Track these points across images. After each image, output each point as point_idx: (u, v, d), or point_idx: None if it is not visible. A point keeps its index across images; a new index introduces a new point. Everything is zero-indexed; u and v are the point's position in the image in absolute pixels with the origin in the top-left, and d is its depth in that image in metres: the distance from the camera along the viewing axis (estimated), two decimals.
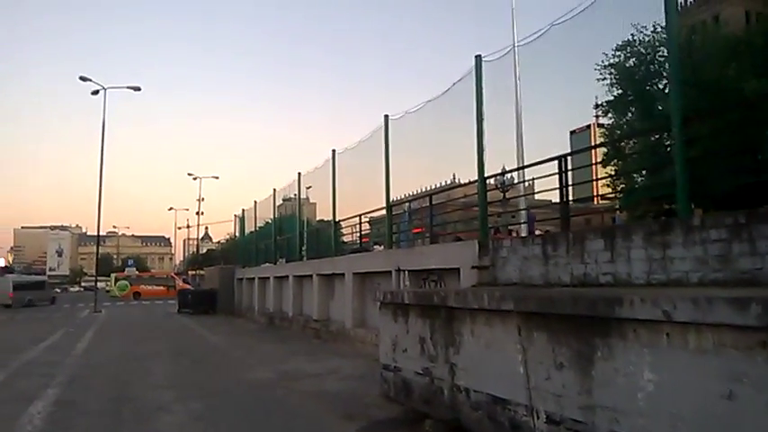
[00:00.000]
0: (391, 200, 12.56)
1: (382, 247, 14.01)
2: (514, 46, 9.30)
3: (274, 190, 21.94)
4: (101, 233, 38.15)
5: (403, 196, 13.56)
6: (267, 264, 22.27)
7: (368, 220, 15.39)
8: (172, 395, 8.18)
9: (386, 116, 12.70)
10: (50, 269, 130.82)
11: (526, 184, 9.55)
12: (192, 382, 9.28)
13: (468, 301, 5.87)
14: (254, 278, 23.46)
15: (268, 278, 21.16)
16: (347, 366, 10.30)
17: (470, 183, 9.44)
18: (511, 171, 9.02)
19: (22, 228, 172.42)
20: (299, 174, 18.99)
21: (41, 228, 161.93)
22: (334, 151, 15.89)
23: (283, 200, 21.86)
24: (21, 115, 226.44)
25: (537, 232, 10.49)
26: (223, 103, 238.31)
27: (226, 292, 27.13)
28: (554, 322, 4.80)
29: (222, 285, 27.56)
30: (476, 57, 9.38)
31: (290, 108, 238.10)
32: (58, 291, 52.63)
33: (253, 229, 26.19)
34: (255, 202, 25.00)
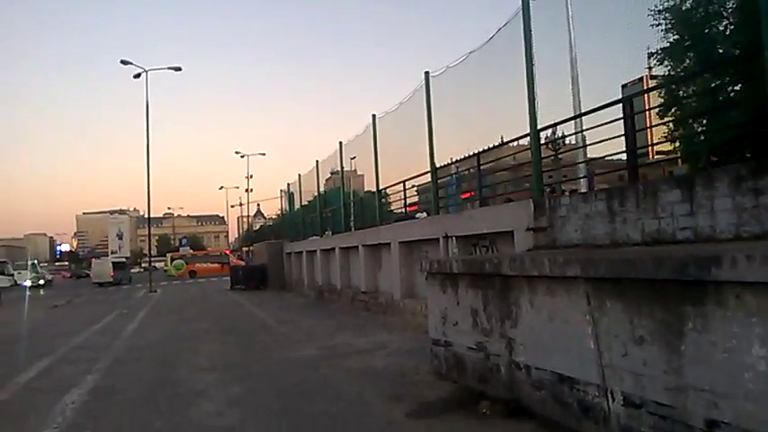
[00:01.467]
0: (437, 164, 11.79)
1: (425, 214, 13.29)
2: None
3: (317, 162, 21.40)
4: (157, 215, 39.02)
5: (450, 161, 12.75)
6: (314, 237, 21.89)
7: (416, 188, 14.62)
8: (213, 378, 7.78)
9: (426, 73, 11.85)
10: (112, 252, 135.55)
11: (583, 135, 8.61)
12: (236, 363, 8.89)
13: (526, 268, 5.13)
14: (301, 252, 23.16)
15: (315, 251, 20.78)
16: (396, 340, 9.73)
17: (523, 136, 8.58)
18: (567, 120, 8.07)
19: (84, 214, 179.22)
20: (340, 143, 18.35)
21: (102, 213, 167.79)
22: (374, 116, 15.15)
23: (331, 173, 21.30)
24: (75, 103, 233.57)
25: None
26: (265, 78, 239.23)
27: (275, 267, 27.01)
28: (631, 289, 4.02)
29: (271, 260, 27.45)
30: None
31: (332, 78, 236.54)
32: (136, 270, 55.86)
33: (299, 204, 25.84)
34: (300, 175, 24.57)
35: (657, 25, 24.31)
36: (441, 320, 6.87)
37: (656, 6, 23.05)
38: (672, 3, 22.48)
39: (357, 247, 15.63)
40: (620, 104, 7.03)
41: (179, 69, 35.74)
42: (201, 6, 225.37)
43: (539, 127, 8.36)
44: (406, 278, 12.50)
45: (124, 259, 61.25)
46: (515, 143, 9.66)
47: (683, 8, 22.65)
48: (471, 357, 6.20)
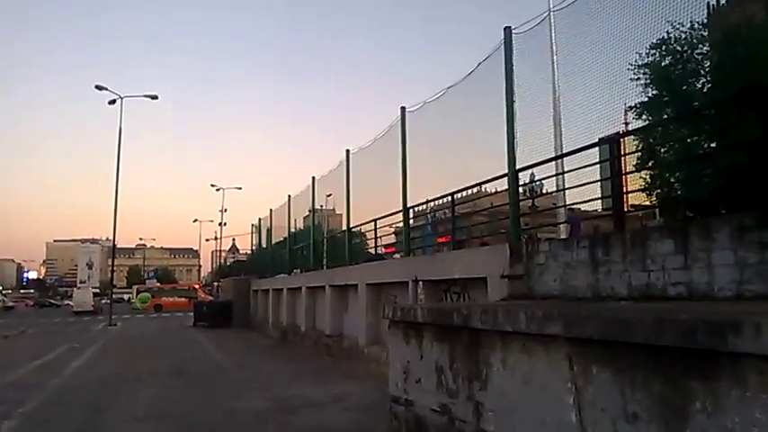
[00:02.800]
0: (413, 202, 11.17)
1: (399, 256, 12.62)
2: (550, 12, 7.84)
3: (289, 197, 20.68)
4: (129, 246, 38.13)
5: (425, 200, 12.13)
6: (282, 274, 21.01)
7: (393, 228, 13.93)
8: (148, 430, 6.86)
9: (402, 108, 11.35)
10: (81, 281, 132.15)
11: (563, 178, 8.07)
12: (176, 413, 7.98)
13: (499, 322, 4.42)
14: (268, 290, 22.20)
15: (282, 290, 19.86)
16: (356, 392, 8.89)
17: (501, 176, 7.99)
18: (548, 161, 7.53)
19: (54, 241, 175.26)
20: (313, 178, 17.72)
21: (73, 241, 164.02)
22: (347, 151, 14.58)
23: (309, 211, 20.52)
24: (49, 130, 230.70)
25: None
26: (241, 113, 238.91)
27: (241, 305, 25.89)
28: (624, 354, 3.33)
29: (237, 297, 26.35)
30: (505, 29, 8.04)
31: (309, 112, 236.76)
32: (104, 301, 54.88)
33: (269, 239, 24.98)
34: (271, 210, 23.81)
35: (637, 79, 24.45)
36: (402, 376, 6.10)
37: (635, 61, 23.22)
38: (652, 59, 22.71)
39: (324, 287, 14.81)
40: (604, 147, 6.52)
41: (155, 98, 35.13)
42: (176, 39, 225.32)
43: (517, 167, 7.80)
44: (373, 323, 11.70)
45: (98, 290, 60.38)
46: (492, 184, 9.08)
47: (662, 64, 22.91)
48: (434, 421, 5.41)
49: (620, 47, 8.56)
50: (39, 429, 7.05)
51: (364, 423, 6.80)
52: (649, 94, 24.09)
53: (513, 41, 8.01)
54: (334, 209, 18.67)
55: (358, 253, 15.17)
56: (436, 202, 10.51)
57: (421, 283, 9.23)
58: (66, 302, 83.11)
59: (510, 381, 4.37)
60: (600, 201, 9.07)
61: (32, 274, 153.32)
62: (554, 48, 8.28)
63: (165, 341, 20.44)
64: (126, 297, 64.27)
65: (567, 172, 7.75)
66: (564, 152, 7.73)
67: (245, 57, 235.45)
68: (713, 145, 13.65)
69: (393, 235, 13.88)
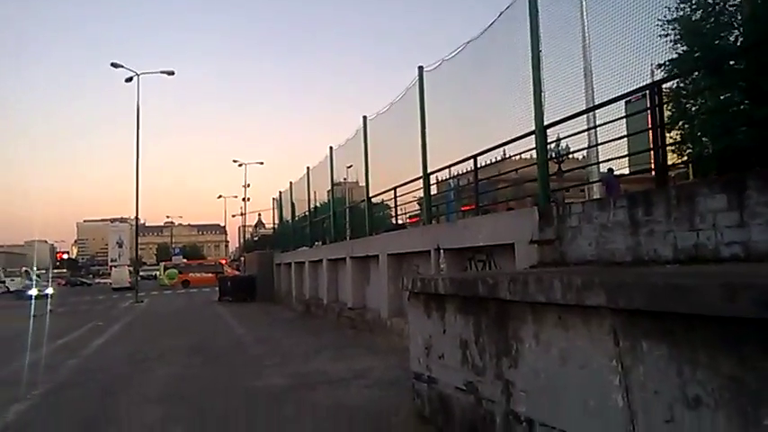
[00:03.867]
0: (434, 167, 10.59)
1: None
2: None
3: (308, 168, 20.20)
4: (158, 224, 38.27)
5: (446, 165, 11.52)
6: (304, 247, 20.67)
7: (415, 197, 13.38)
8: (159, 414, 6.56)
9: (420, 68, 10.69)
10: (112, 260, 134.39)
11: (596, 133, 7.41)
12: (192, 393, 7.69)
13: (531, 292, 3.90)
14: (290, 263, 21.91)
15: (304, 263, 19.54)
16: (379, 367, 8.49)
17: (527, 134, 7.38)
18: (579, 114, 6.87)
19: (85, 221, 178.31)
20: (331, 148, 17.18)
21: (103, 221, 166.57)
22: (365, 118, 13.98)
23: (333, 185, 20.01)
24: (75, 111, 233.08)
25: None
26: (259, 87, 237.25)
27: (265, 279, 25.73)
28: (682, 328, 2.79)
29: (261, 271, 26.19)
30: None
31: (329, 81, 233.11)
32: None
33: (293, 212, 24.61)
34: (291, 183, 23.38)
35: (666, 35, 23.26)
36: (424, 351, 5.64)
37: (664, 16, 22.04)
38: (681, 13, 21.56)
39: (345, 259, 14.39)
40: (634, 104, 5.88)
41: (172, 74, 34.77)
42: (192, 11, 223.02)
43: (545, 123, 7.18)
44: (395, 295, 11.24)
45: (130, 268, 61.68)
46: (517, 144, 8.45)
47: (693, 18, 21.79)
48: (460, 400, 4.96)
49: None
50: (46, 413, 6.78)
51: (386, 401, 6.39)
52: (680, 50, 22.77)
53: None
54: (357, 181, 18.17)
55: (380, 223, 14.69)
56: (458, 167, 9.88)
57: (442, 251, 8.72)
58: (97, 281, 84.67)
59: (544, 358, 3.87)
60: (629, 161, 8.46)
61: (65, 255, 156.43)
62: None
63: (188, 317, 20.38)
64: (155, 274, 65.09)
65: (599, 126, 7.10)
66: (595, 104, 7.08)
67: (262, 31, 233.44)
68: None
69: (417, 204, 13.34)
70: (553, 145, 8.59)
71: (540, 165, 7.09)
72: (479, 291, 4.53)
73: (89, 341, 13.69)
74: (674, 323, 2.83)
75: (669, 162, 8.17)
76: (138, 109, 32.35)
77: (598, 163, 7.61)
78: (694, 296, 2.66)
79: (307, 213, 21.07)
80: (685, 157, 17.89)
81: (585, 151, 7.92)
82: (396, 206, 12.47)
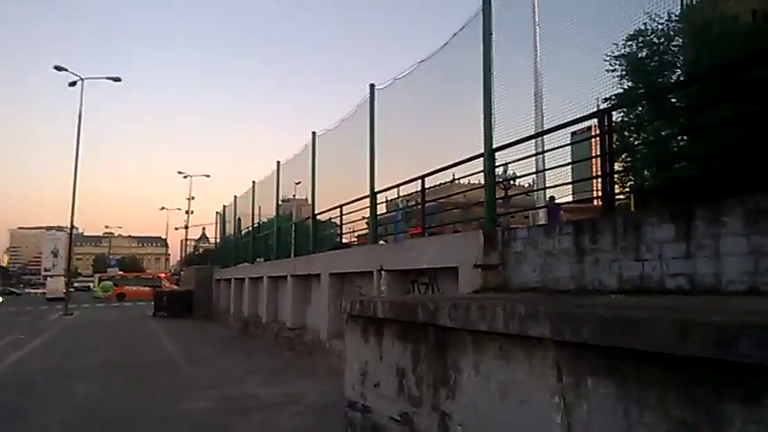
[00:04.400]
0: (382, 189, 10.35)
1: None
2: None
3: (253, 183, 19.73)
4: (96, 233, 36.65)
5: (396, 184, 11.30)
6: (245, 263, 20.06)
7: (363, 217, 13.07)
8: None
9: (371, 85, 10.52)
10: (46, 269, 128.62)
11: (543, 158, 7.33)
12: (109, 415, 7.13)
13: (472, 319, 3.66)
14: (230, 279, 21.21)
15: (244, 279, 18.91)
16: (314, 391, 8.11)
17: (476, 156, 7.23)
18: (529, 138, 6.78)
19: (19, 228, 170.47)
20: (278, 163, 16.81)
21: (38, 228, 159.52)
22: (313, 134, 13.73)
23: (282, 201, 19.50)
24: (12, 113, 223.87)
25: None
26: (209, 101, 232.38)
27: (203, 294, 24.83)
28: (630, 365, 2.59)
29: (199, 287, 25.27)
30: None
31: (279, 98, 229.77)
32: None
33: (237, 227, 23.93)
34: (235, 197, 22.77)
35: (613, 71, 23.97)
36: (360, 378, 5.33)
37: (612, 52, 22.73)
38: (628, 50, 22.28)
39: (286, 277, 13.94)
40: (594, 121, 5.80)
41: (118, 80, 33.59)
42: (143, 18, 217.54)
43: (494, 146, 7.05)
44: (336, 316, 10.87)
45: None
46: (466, 167, 8.31)
47: (639, 56, 22.56)
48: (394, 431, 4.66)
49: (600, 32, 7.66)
50: None
51: (317, 430, 6.01)
52: (625, 87, 23.41)
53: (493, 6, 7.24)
54: (306, 198, 17.81)
55: (327, 242, 14.36)
56: (408, 188, 9.66)
57: (384, 272, 8.44)
58: (27, 291, 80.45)
59: (484, 390, 3.62)
60: (572, 190, 8.45)
61: None
62: (536, 18, 7.54)
63: (119, 332, 19.38)
64: (90, 285, 62.45)
65: (545, 152, 7.04)
66: (544, 130, 7.03)
67: (213, 42, 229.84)
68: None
69: (365, 223, 13.06)
70: (500, 170, 8.52)
71: (488, 188, 6.95)
72: (419, 316, 4.27)
73: (4, 356, 12.73)
74: (622, 360, 2.62)
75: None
76: (81, 114, 31.17)
77: (544, 188, 7.54)
78: (645, 331, 2.46)
79: (250, 229, 20.50)
80: (627, 188, 18.33)
81: (533, 177, 7.84)
82: (341, 224, 12.16)
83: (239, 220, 23.28)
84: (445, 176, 8.80)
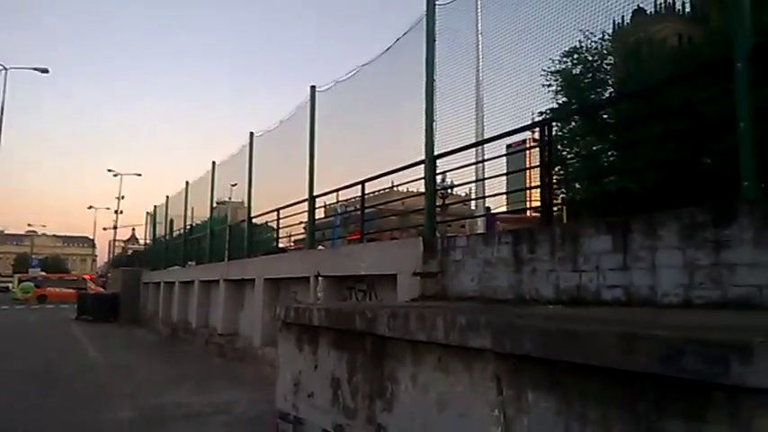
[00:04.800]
0: (321, 193, 10.16)
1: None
2: None
3: (187, 183, 19.11)
4: (18, 232, 34.58)
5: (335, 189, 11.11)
6: (175, 266, 19.37)
7: (301, 221, 12.78)
8: None
9: (312, 87, 10.34)
10: None
11: (483, 167, 7.34)
12: (19, 429, 6.57)
13: (411, 329, 3.54)
14: (159, 282, 20.42)
15: (174, 283, 18.22)
16: (244, 401, 7.80)
17: (417, 163, 7.17)
18: (469, 147, 6.78)
19: None
20: (213, 163, 16.33)
21: None
22: (251, 134, 13.40)
23: (217, 203, 18.86)
24: None
25: None
26: (143, 98, 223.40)
27: (130, 298, 23.78)
28: (572, 379, 2.53)
29: (126, 290, 24.19)
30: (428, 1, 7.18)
31: (215, 98, 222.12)
32: None
33: (169, 228, 23.10)
34: (167, 197, 21.97)
35: (549, 86, 24.60)
36: (292, 388, 5.13)
37: (548, 68, 23.33)
38: (564, 66, 22.96)
39: (219, 281, 13.50)
40: (536, 129, 5.84)
41: (46, 71, 32.07)
42: (67, 17, 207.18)
43: (436, 153, 7.01)
44: (270, 322, 10.56)
45: None
46: (404, 174, 8.24)
47: (573, 73, 23.32)
48: None
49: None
50: None
51: None
52: (560, 101, 24.06)
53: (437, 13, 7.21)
54: (242, 201, 17.38)
55: (263, 246, 14.03)
56: (346, 192, 9.50)
57: (320, 279, 8.26)
58: None
59: (422, 402, 3.50)
60: (507, 200, 8.57)
61: None
62: (479, 26, 7.56)
63: (37, 336, 18.28)
64: (8, 286, 58.98)
65: (487, 160, 7.06)
66: (484, 139, 7.04)
67: (148, 35, 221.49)
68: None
69: (303, 228, 12.80)
70: (439, 179, 8.52)
71: (428, 195, 6.89)
72: (356, 325, 4.13)
73: None
74: (564, 373, 2.56)
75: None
76: (3, 105, 29.47)
77: (484, 197, 7.55)
78: (588, 344, 2.41)
79: (182, 231, 19.83)
80: (559, 201, 18.80)
81: (473, 186, 7.84)
82: (278, 228, 11.88)
83: (171, 221, 22.52)
84: (385, 183, 8.74)
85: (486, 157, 6.97)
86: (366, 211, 8.97)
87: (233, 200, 17.76)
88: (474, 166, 7.24)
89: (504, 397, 2.90)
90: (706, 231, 3.77)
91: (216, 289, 13.92)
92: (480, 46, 7.56)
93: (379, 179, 8.30)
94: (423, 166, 7.02)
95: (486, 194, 7.36)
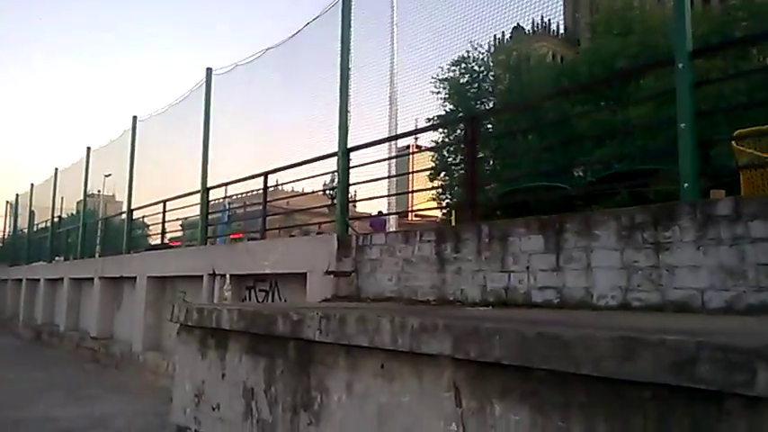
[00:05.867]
0: (217, 184, 9.44)
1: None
2: None
3: (56, 170, 17.34)
4: None
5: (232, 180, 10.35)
6: (40, 262, 17.50)
7: (179, 218, 11.83)
8: None
9: (208, 69, 9.59)
10: None
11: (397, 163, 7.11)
12: None
13: (348, 332, 3.15)
14: (21, 279, 18.33)
15: (38, 280, 16.40)
16: (125, 412, 7.00)
17: (328, 155, 6.78)
18: (380, 141, 6.49)
19: None
20: (88, 149, 14.87)
21: None
22: (134, 118, 12.29)
23: (86, 196, 17.09)
24: None
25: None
26: (15, 71, 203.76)
27: None
28: (550, 388, 2.27)
29: None
30: None
31: (95, 72, 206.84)
32: None
33: (30, 220, 20.88)
34: (32, 185, 19.87)
35: (438, 93, 25.22)
36: (193, 399, 4.54)
37: (437, 75, 23.83)
38: (452, 75, 23.59)
39: (93, 279, 12.24)
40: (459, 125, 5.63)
41: None
42: None
43: (349, 146, 6.64)
44: (153, 325, 9.69)
45: None
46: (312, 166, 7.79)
47: (461, 82, 24.06)
48: None
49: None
50: None
51: None
52: (447, 109, 24.72)
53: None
54: (114, 195, 16.02)
55: (144, 241, 12.97)
56: (244, 183, 8.85)
57: (227, 277, 7.58)
58: None
59: (357, 415, 3.12)
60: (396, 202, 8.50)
61: None
62: (394, 18, 7.32)
63: None
64: None
65: (397, 156, 6.83)
66: (399, 134, 6.81)
67: (27, 11, 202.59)
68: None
69: (179, 225, 11.92)
70: (327, 179, 8.21)
71: (341, 190, 6.51)
72: (278, 328, 3.66)
73: None
74: (542, 382, 2.29)
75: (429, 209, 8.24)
76: None
77: (407, 192, 7.31)
78: (579, 350, 2.15)
79: (50, 223, 17.97)
80: (444, 205, 19.25)
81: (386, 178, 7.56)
82: (163, 222, 10.94)
83: (33, 212, 20.41)
84: (288, 175, 8.23)
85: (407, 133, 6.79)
86: (255, 209, 8.45)
87: (105, 193, 16.44)
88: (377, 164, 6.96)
89: (463, 409, 2.59)
90: (645, 232, 3.71)
91: (89, 288, 12.62)
92: (395, 38, 7.34)
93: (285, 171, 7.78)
94: (336, 158, 6.63)
95: (399, 192, 7.10)
